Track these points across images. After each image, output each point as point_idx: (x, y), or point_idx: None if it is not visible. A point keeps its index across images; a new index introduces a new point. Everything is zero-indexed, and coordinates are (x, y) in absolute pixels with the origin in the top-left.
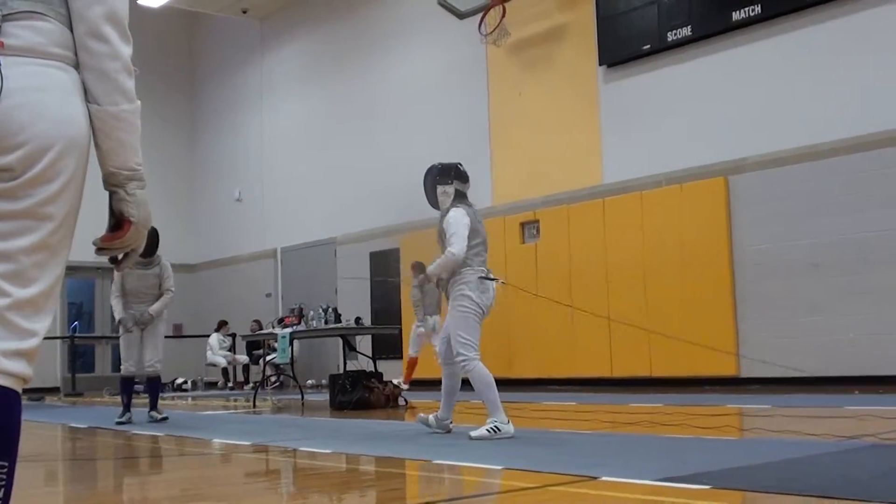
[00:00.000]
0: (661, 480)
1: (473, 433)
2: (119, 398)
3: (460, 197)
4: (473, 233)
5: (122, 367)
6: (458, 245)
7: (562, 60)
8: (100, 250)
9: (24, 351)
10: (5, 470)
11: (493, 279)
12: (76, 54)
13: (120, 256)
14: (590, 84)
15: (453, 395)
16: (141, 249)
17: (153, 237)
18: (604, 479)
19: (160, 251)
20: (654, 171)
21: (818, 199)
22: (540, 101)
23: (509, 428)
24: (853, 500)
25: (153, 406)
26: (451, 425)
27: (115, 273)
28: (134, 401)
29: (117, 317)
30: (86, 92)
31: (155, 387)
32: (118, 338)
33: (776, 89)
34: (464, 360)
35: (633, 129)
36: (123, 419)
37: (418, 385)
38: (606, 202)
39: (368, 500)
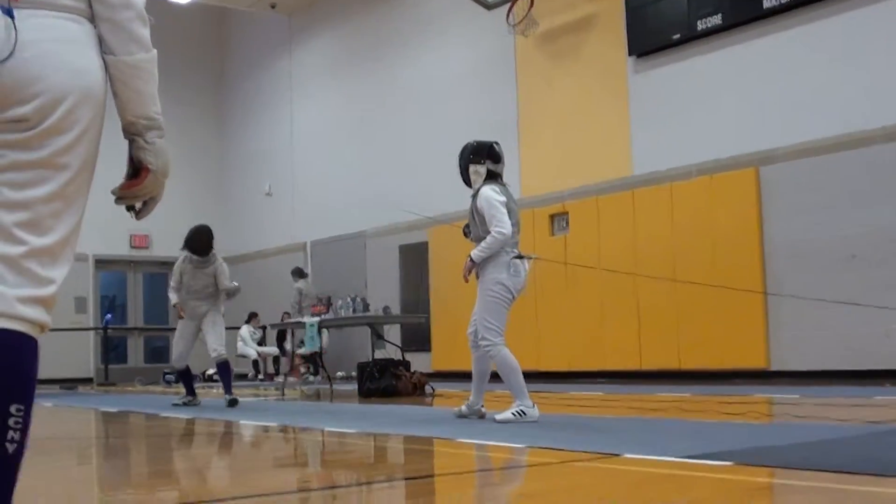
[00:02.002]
0: (685, 458)
1: (499, 416)
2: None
3: (493, 177)
4: (508, 212)
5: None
6: (503, 224)
7: (590, 51)
8: (119, 199)
9: (41, 298)
10: (22, 413)
11: (525, 257)
12: (90, 6)
13: (138, 206)
14: (619, 74)
15: (484, 379)
16: (160, 198)
17: (207, 236)
18: (627, 455)
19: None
20: (683, 163)
21: (851, 189)
22: (568, 91)
23: (534, 412)
24: (876, 475)
25: (227, 389)
26: (483, 410)
27: (175, 266)
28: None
29: (172, 302)
30: (101, 43)
31: (224, 371)
32: (150, 330)
33: (807, 78)
34: (488, 345)
35: (662, 119)
36: (179, 402)
37: (446, 376)
38: (636, 193)
39: (395, 473)
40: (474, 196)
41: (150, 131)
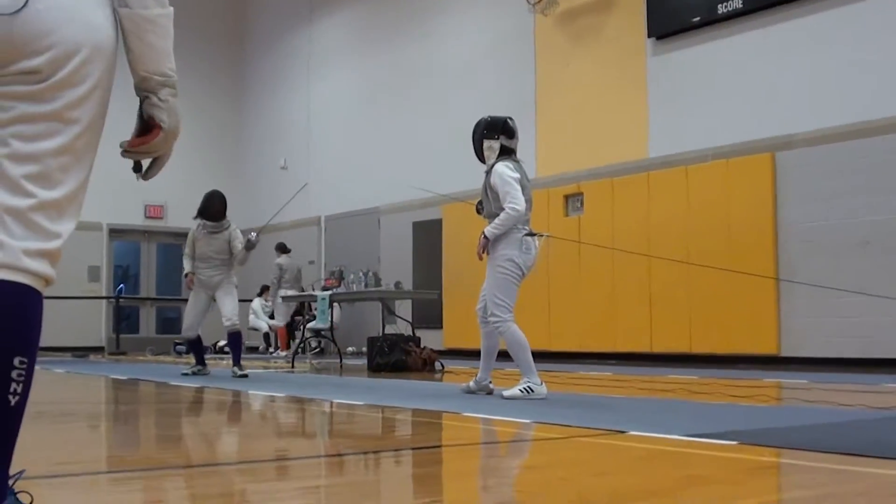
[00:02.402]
0: (690, 436)
1: (506, 392)
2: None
3: (507, 152)
4: (521, 189)
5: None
6: (517, 200)
7: (610, 32)
8: (126, 153)
9: (47, 251)
10: (25, 366)
11: (536, 234)
12: None
13: (145, 165)
14: (638, 56)
15: (492, 356)
16: (167, 159)
17: (220, 201)
18: (631, 433)
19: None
20: (700, 146)
21: (868, 176)
22: (587, 72)
23: (542, 389)
24: (881, 458)
25: (235, 361)
26: (491, 386)
27: (189, 234)
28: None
29: (185, 270)
30: None
31: (235, 343)
32: (163, 300)
33: (827, 64)
34: (497, 322)
35: (680, 102)
36: (189, 371)
37: (457, 354)
38: (651, 176)
39: (399, 444)
40: (488, 172)
41: (163, 88)
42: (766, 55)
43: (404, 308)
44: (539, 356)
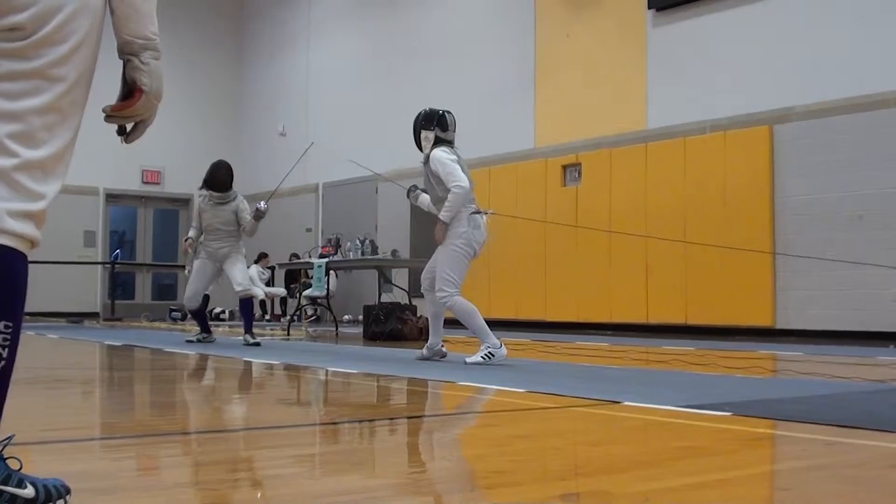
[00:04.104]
0: (684, 407)
1: (469, 359)
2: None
3: (441, 143)
4: (462, 170)
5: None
6: (460, 178)
7: (610, 3)
8: (109, 118)
9: (31, 212)
10: (10, 330)
11: (483, 212)
12: None
13: (129, 128)
14: (638, 28)
15: (440, 320)
16: (152, 121)
17: (226, 171)
18: (626, 403)
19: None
20: (698, 118)
21: (865, 150)
22: (587, 43)
23: (502, 352)
24: (873, 430)
25: (247, 329)
26: (444, 350)
27: (195, 206)
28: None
29: (188, 236)
30: None
31: (247, 309)
32: (159, 266)
33: (825, 38)
34: (444, 296)
35: (679, 74)
36: (194, 338)
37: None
38: (649, 147)
39: (396, 412)
40: (425, 162)
41: (145, 51)
42: (764, 28)
43: (401, 277)
44: (536, 326)
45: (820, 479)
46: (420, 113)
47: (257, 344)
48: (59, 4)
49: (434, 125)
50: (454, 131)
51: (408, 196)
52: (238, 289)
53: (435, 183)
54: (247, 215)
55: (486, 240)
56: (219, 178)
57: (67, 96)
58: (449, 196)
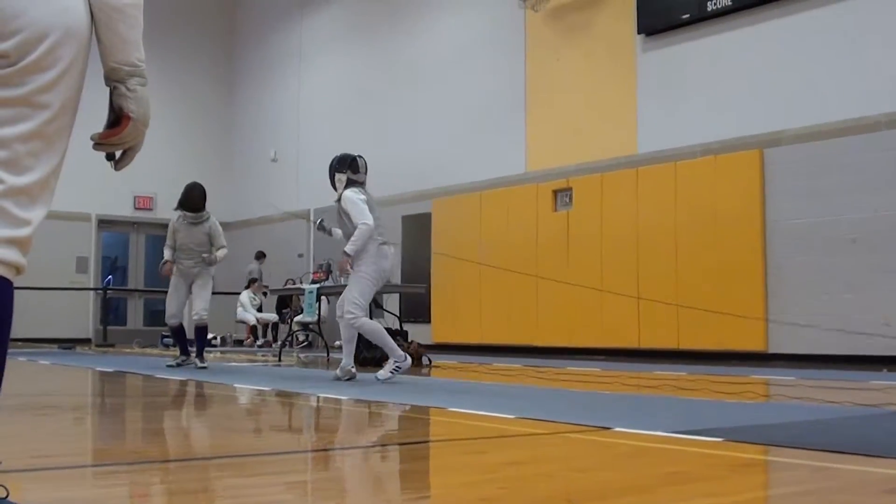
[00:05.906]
0: (675, 433)
1: (380, 375)
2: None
3: (353, 184)
4: (370, 209)
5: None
6: (367, 217)
7: (600, 27)
8: (97, 145)
9: (17, 239)
10: None
11: (389, 244)
12: None
13: (118, 155)
14: (628, 52)
15: (352, 342)
16: (139, 148)
17: (199, 193)
18: (617, 429)
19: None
20: (689, 142)
21: (856, 174)
22: (577, 68)
23: (406, 363)
24: (865, 455)
25: (198, 354)
26: (353, 370)
27: (170, 225)
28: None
29: (165, 258)
30: None
31: (201, 336)
32: (151, 292)
33: (816, 62)
34: (352, 318)
35: (669, 98)
36: (173, 363)
37: (446, 349)
38: (640, 172)
39: (387, 439)
40: (338, 201)
41: (132, 78)
42: (754, 52)
43: (392, 302)
44: (526, 351)
45: None
46: (335, 157)
47: (205, 367)
48: (45, 32)
49: (346, 168)
50: (365, 173)
51: (320, 230)
52: (195, 317)
53: (346, 219)
54: (221, 239)
55: (391, 269)
56: (193, 199)
57: (52, 123)
58: (356, 232)
